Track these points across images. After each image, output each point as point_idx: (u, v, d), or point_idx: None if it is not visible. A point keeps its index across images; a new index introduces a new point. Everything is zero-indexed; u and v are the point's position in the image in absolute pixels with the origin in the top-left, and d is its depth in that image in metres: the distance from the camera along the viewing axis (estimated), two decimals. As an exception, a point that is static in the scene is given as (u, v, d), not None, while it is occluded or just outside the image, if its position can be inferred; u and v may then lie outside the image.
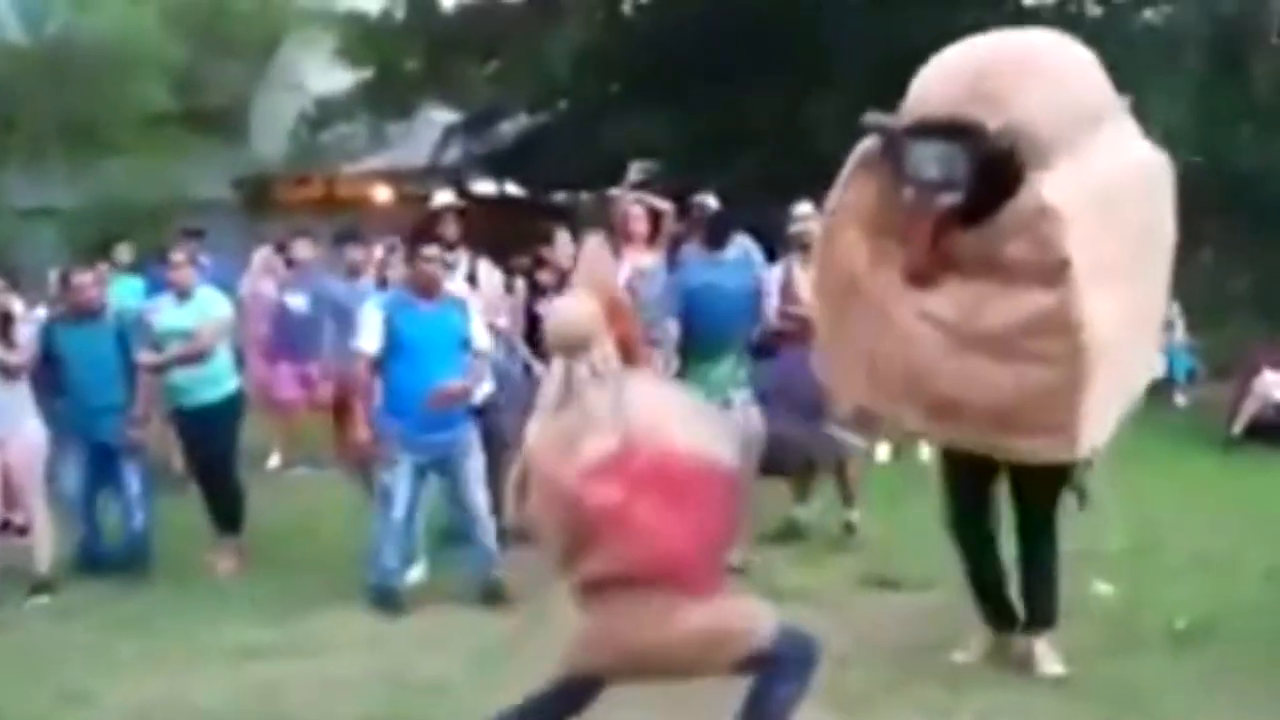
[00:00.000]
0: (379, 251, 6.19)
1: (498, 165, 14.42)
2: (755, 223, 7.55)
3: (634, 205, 7.25)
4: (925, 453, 8.41)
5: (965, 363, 3.90)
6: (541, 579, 5.41)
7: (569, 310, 3.21)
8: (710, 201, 7.73)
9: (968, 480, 4.40)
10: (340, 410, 6.64)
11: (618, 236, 7.51)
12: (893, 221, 4.06)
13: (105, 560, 5.91)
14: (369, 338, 5.39)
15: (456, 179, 14.73)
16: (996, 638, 4.50)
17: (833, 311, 4.36)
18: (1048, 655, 4.35)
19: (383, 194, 15.39)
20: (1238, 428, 9.18)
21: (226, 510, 6.14)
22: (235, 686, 4.44)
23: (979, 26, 10.91)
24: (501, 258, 7.86)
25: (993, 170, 3.75)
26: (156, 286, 6.75)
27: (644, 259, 7.24)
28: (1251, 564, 5.52)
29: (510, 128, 14.00)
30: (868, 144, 4.13)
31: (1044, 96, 3.77)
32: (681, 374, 5.91)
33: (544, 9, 11.88)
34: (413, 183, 15.30)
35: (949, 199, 3.82)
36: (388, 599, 5.37)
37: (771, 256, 7.11)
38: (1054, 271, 3.68)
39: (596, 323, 3.12)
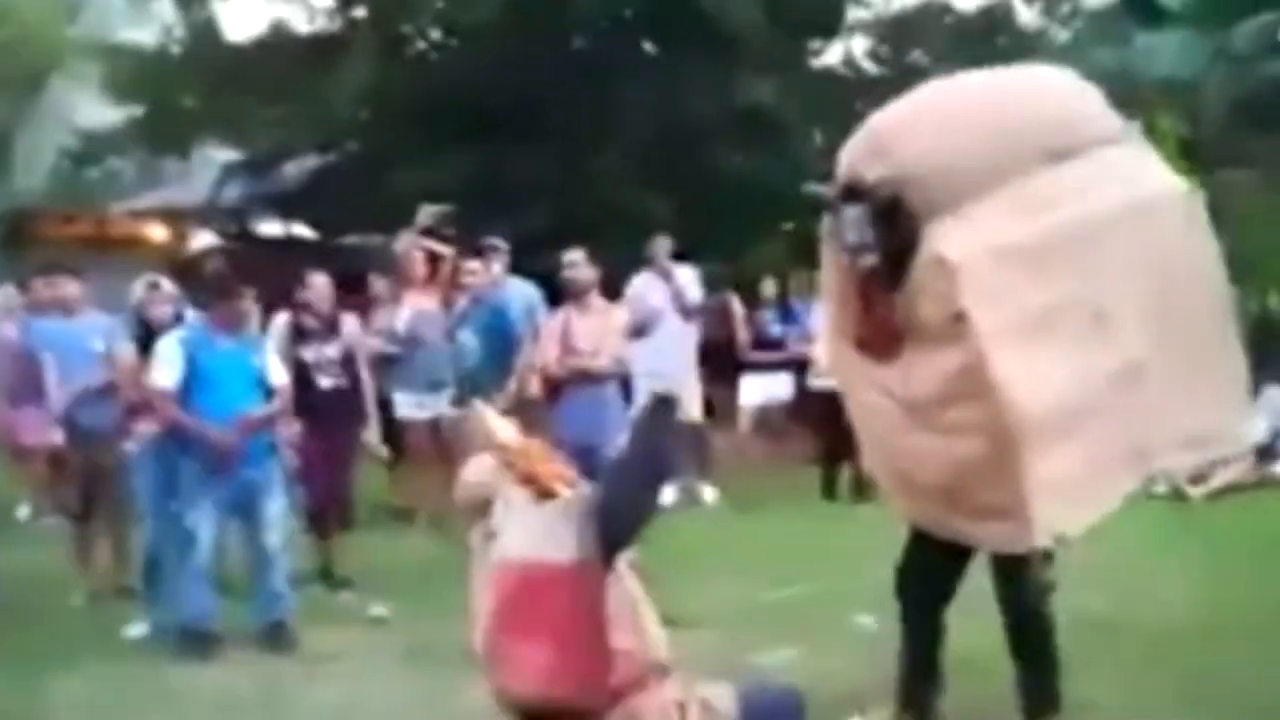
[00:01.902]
0: (139, 289, 5.93)
1: (284, 206, 14.03)
2: (545, 270, 7.61)
3: (413, 249, 7.22)
4: (709, 495, 8.65)
5: (910, 436, 3.69)
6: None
7: (465, 475, 3.13)
8: (500, 244, 7.79)
9: (925, 549, 3.95)
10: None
11: (399, 279, 7.49)
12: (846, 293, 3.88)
13: None
14: (166, 372, 5.27)
15: (239, 219, 14.31)
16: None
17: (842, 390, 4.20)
18: None
19: (158, 233, 14.72)
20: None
21: None
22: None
23: (761, 87, 11.35)
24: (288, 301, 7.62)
25: (890, 226, 3.57)
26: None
27: (423, 302, 7.20)
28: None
29: (297, 168, 13.66)
30: (827, 219, 3.91)
31: (939, 140, 3.56)
32: None
33: (327, 47, 11.67)
34: (191, 222, 14.73)
35: (868, 261, 3.64)
36: (201, 643, 5.19)
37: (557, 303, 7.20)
38: (955, 328, 3.42)
39: (493, 479, 3.04)
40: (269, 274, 8.92)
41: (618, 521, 2.88)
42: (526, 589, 2.87)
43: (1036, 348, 3.39)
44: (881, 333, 3.69)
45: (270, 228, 14.94)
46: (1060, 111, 3.75)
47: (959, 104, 3.77)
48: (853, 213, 3.63)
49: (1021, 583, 3.85)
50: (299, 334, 6.51)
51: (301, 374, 6.35)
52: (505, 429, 3.16)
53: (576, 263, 6.54)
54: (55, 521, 7.35)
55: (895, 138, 3.63)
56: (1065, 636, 4.93)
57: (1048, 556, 3.82)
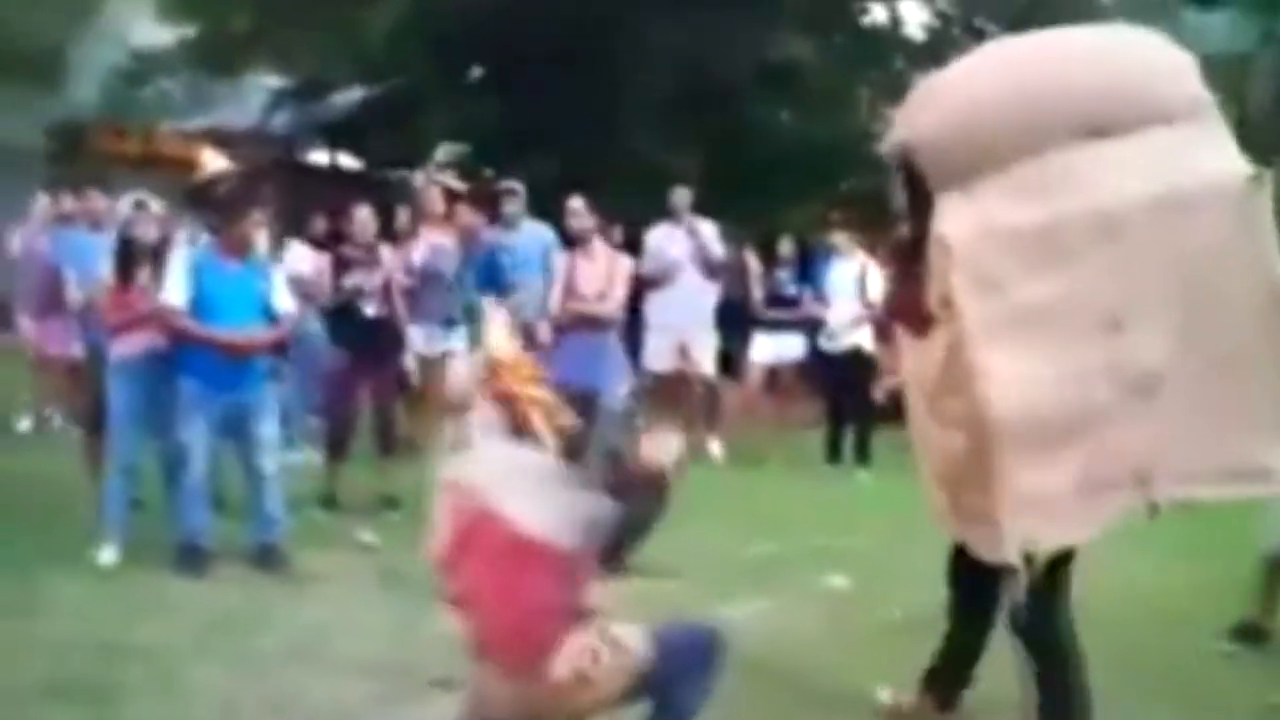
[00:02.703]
0: (123, 206, 6.00)
1: (331, 136, 14.21)
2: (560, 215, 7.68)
3: (431, 186, 7.33)
4: (716, 448, 8.72)
5: (922, 421, 3.55)
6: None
7: (449, 373, 3.27)
8: (516, 186, 7.87)
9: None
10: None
11: (417, 215, 7.60)
12: None
13: None
14: (175, 290, 5.39)
15: (287, 146, 14.50)
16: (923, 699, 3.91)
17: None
18: None
19: (206, 155, 14.90)
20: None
21: None
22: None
23: (800, 44, 11.22)
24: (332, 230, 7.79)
25: (913, 195, 3.36)
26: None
27: (440, 238, 7.30)
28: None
29: (344, 99, 13.77)
30: None
31: (958, 107, 3.28)
32: None
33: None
34: (239, 146, 14.92)
35: (900, 229, 3.50)
36: (195, 557, 5.38)
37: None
38: (944, 310, 3.19)
39: (472, 384, 3.08)
40: (314, 201, 9.12)
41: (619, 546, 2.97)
42: (493, 537, 2.89)
43: (1030, 344, 3.08)
44: (911, 307, 3.44)
45: (318, 156, 15.13)
46: (1110, 82, 3.28)
47: (994, 69, 3.42)
48: (896, 178, 3.45)
49: (1001, 597, 3.44)
50: (341, 265, 6.70)
51: (345, 304, 6.62)
52: (501, 340, 3.14)
53: (576, 211, 6.67)
54: (73, 430, 7.65)
55: (920, 102, 3.41)
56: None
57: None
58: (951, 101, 3.32)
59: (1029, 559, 3.19)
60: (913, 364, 3.61)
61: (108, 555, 5.47)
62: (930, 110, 3.34)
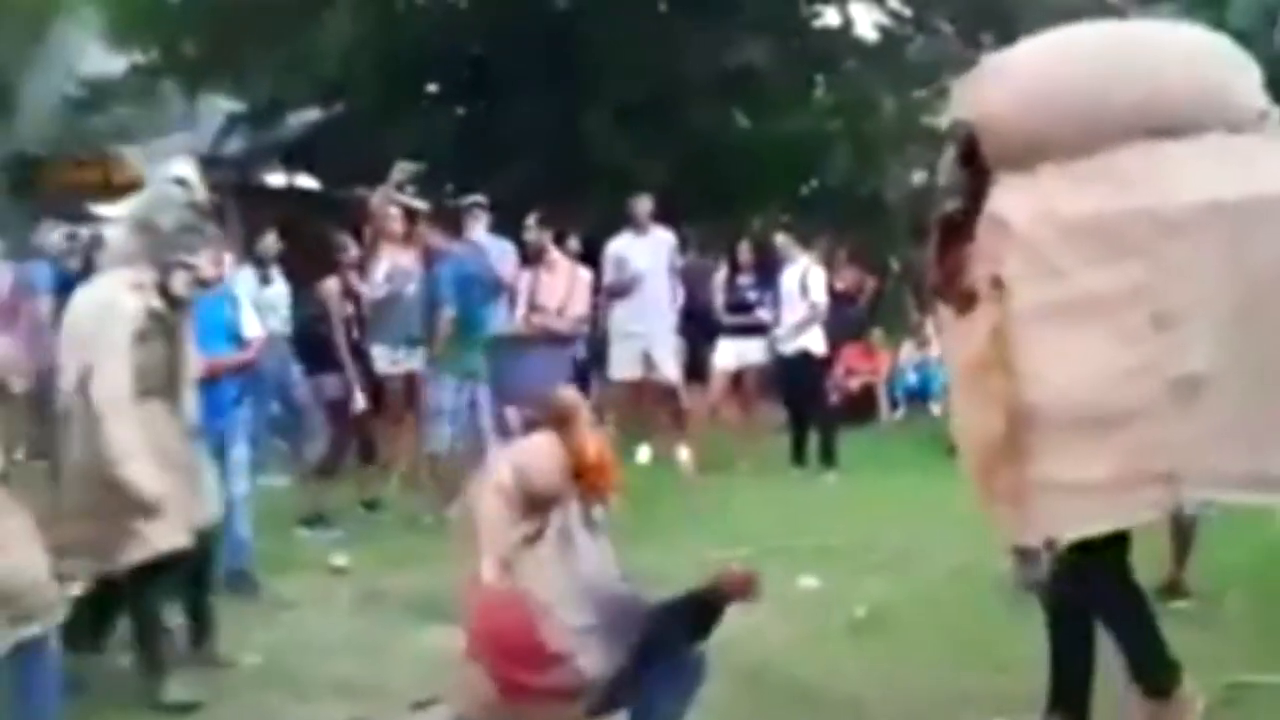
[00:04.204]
0: (57, 240, 5.99)
1: (288, 157, 14.14)
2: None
3: (390, 205, 7.35)
4: (684, 455, 8.77)
5: (959, 399, 3.62)
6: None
7: (538, 464, 3.19)
8: (482, 201, 7.92)
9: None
10: None
11: (375, 234, 7.61)
12: None
13: None
14: None
15: (242, 169, 14.42)
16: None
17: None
18: None
19: (165, 179, 14.80)
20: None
21: None
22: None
23: (746, 48, 11.27)
24: (296, 252, 7.83)
25: (970, 172, 3.38)
26: None
27: (401, 257, 7.32)
28: (943, 561, 5.90)
29: (299, 120, 13.73)
30: None
31: (1025, 91, 3.29)
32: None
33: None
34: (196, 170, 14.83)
35: (947, 205, 3.47)
36: None
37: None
38: (995, 291, 3.22)
39: (563, 483, 3.14)
40: (272, 224, 9.09)
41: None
42: (531, 643, 3.05)
43: (1078, 333, 3.12)
44: (951, 285, 3.46)
45: (275, 178, 15.06)
46: (1187, 83, 3.31)
47: (1070, 57, 3.39)
48: (949, 153, 3.46)
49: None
50: (347, 294, 6.93)
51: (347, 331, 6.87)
52: (591, 439, 3.25)
53: (530, 225, 6.73)
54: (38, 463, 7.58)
55: (985, 81, 3.43)
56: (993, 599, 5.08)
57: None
58: (1023, 83, 3.34)
59: (1050, 544, 3.34)
60: (952, 343, 3.66)
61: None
62: (999, 89, 3.36)
